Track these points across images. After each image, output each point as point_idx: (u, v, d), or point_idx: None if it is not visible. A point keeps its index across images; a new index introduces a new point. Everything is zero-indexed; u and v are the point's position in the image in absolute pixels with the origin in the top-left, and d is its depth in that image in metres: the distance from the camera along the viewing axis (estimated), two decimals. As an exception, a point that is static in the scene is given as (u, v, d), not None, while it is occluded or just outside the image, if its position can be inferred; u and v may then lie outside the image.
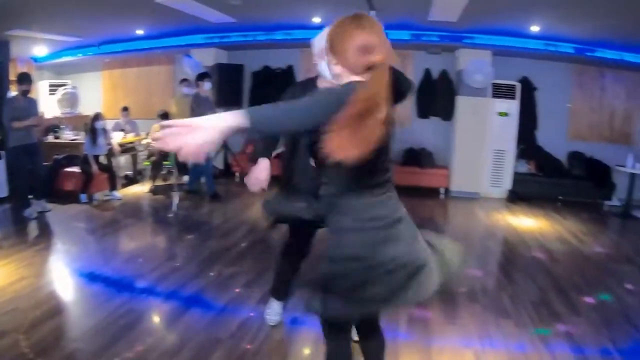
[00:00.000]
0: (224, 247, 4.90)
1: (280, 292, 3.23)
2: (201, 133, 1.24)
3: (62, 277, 4.12)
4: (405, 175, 7.21)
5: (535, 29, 6.38)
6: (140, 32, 7.42)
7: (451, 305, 3.63)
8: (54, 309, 3.42)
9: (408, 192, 7.02)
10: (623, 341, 3.18)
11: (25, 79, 5.79)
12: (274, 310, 3.26)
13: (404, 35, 6.83)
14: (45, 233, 5.48)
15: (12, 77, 8.59)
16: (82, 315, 3.39)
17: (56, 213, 6.17)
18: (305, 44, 7.40)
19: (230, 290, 3.84)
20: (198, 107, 6.58)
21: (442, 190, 7.42)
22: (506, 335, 3.23)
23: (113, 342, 2.97)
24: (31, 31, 6.57)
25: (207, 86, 6.73)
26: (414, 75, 7.56)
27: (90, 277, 4.15)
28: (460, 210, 6.67)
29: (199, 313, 3.43)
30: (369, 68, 1.55)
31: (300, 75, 8.18)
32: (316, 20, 6.41)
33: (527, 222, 6.35)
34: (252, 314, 3.40)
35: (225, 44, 7.97)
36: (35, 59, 8.69)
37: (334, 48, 1.64)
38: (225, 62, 8.60)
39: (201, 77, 6.77)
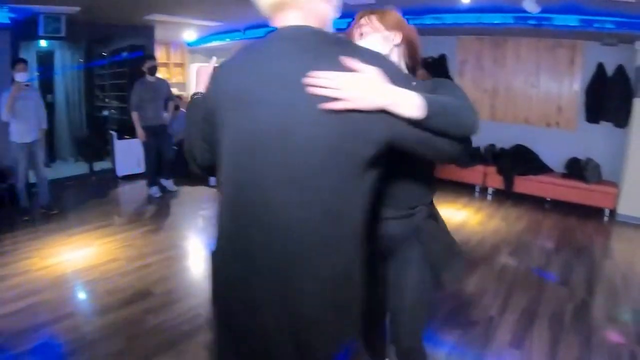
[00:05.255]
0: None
1: None
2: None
3: (152, 264, 3.96)
4: (565, 190, 6.05)
5: None
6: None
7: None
8: (126, 300, 3.27)
9: (566, 210, 5.93)
10: None
11: (148, 57, 5.99)
12: None
13: (572, 20, 5.63)
14: (161, 214, 5.54)
15: (163, 60, 9.18)
16: (149, 310, 3.17)
17: (181, 194, 6.27)
18: (459, 29, 6.65)
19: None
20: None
21: (606, 212, 6.06)
22: None
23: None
24: (175, 16, 6.73)
25: None
26: (584, 70, 6.29)
27: (184, 267, 4.01)
28: (626, 240, 5.31)
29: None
30: None
31: (454, 66, 7.32)
32: (465, 1, 5.53)
33: None
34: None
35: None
36: (189, 44, 9.08)
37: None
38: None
39: None
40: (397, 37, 1.65)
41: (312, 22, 1.18)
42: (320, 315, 1.15)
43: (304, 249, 1.12)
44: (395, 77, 1.12)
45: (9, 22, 5.43)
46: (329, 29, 1.25)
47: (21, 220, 4.84)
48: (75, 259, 3.95)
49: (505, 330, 3.03)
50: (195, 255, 4.30)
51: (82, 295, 3.37)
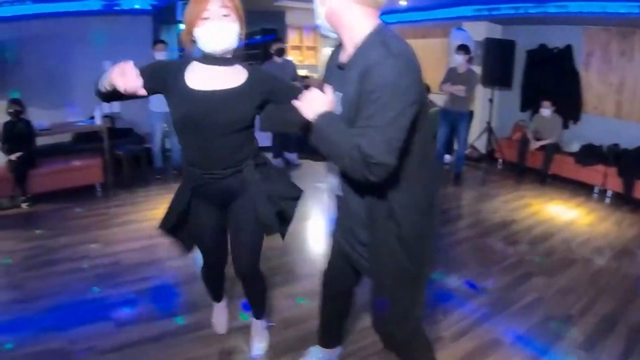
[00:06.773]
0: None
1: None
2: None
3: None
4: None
5: None
6: (403, 3, 7.31)
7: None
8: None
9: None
10: None
11: (275, 40, 6.58)
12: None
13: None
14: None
15: (296, 43, 9.73)
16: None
17: (303, 167, 6.70)
18: (584, 19, 6.20)
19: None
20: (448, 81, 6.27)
21: None
22: None
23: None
24: (303, 2, 7.11)
25: (457, 60, 6.21)
26: None
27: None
28: None
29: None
30: None
31: (579, 58, 6.89)
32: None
33: None
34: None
35: (495, 16, 7.16)
36: (321, 28, 9.55)
37: None
38: (498, 37, 7.72)
39: (457, 49, 6.26)
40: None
41: None
42: None
43: None
44: None
45: (150, 8, 6.14)
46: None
47: (154, 178, 5.63)
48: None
49: (580, 332, 2.98)
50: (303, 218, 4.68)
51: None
